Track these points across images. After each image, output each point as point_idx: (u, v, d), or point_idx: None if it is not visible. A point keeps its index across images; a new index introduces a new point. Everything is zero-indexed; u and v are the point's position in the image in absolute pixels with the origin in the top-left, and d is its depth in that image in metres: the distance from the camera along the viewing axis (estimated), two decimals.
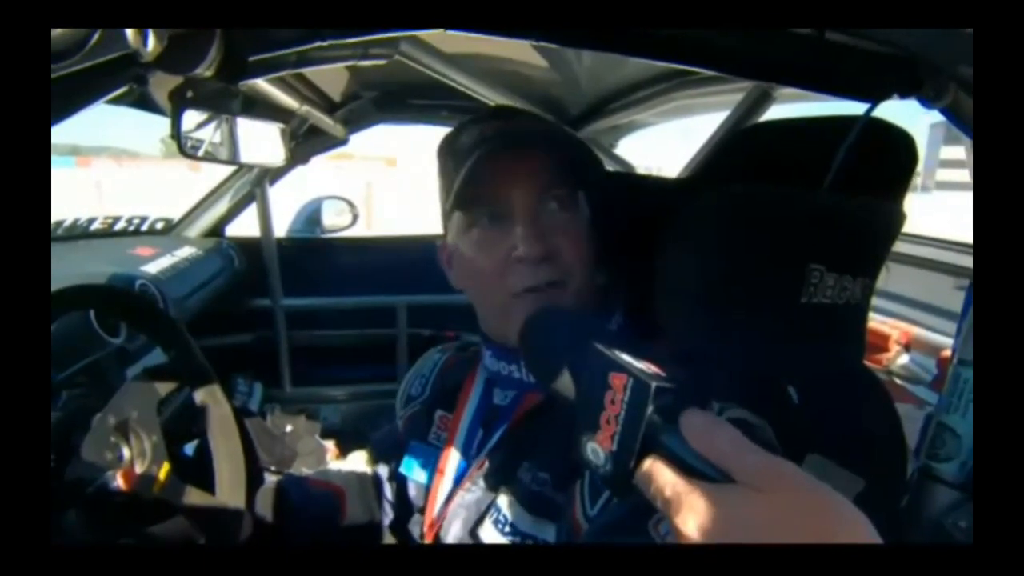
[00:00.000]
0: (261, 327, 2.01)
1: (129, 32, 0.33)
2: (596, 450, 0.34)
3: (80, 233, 1.62)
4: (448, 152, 0.61)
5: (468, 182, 0.56)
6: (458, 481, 0.61)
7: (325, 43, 0.43)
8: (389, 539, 0.79)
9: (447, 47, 1.11)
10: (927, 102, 0.52)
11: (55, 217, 1.58)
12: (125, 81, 0.47)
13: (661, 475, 0.31)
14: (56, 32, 0.29)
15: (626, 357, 0.33)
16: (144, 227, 1.81)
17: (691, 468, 0.30)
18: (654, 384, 0.31)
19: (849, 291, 0.55)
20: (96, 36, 0.31)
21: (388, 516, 0.78)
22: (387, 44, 0.91)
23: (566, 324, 0.44)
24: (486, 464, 0.59)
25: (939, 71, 0.48)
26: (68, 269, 1.16)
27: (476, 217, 0.58)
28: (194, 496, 0.75)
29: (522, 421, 0.59)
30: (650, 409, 0.31)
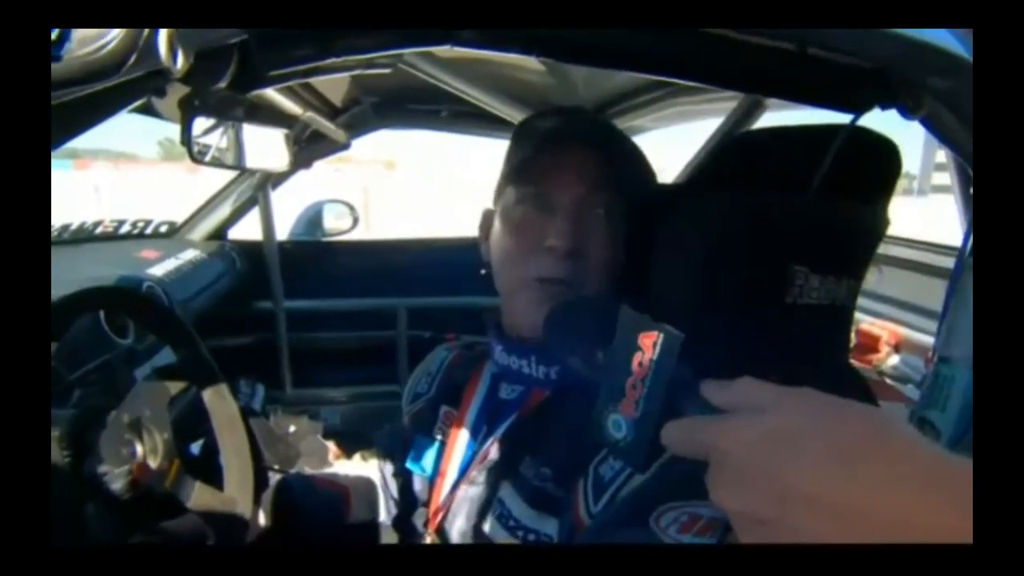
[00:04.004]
0: (263, 329, 2.03)
1: (162, 50, 0.35)
2: (618, 421, 0.34)
3: (86, 236, 1.65)
4: (523, 131, 0.64)
5: (530, 160, 0.58)
6: (462, 474, 0.63)
7: (339, 59, 0.45)
8: (392, 534, 0.81)
9: (447, 54, 1.14)
10: (907, 113, 0.55)
11: (55, 221, 1.60)
12: (147, 93, 0.49)
13: (688, 423, 0.31)
14: (100, 54, 0.31)
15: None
16: (148, 230, 1.83)
17: None
18: (683, 336, 0.31)
19: (834, 292, 0.57)
20: (134, 57, 0.33)
21: (392, 513, 0.80)
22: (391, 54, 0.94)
23: (592, 305, 0.46)
24: (489, 458, 0.61)
25: (914, 84, 0.51)
26: (76, 272, 1.18)
27: (525, 195, 0.60)
28: (204, 492, 0.77)
29: (527, 416, 0.60)
30: (677, 366, 0.31)
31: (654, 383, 0.33)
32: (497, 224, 0.63)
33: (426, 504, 0.67)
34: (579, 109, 0.68)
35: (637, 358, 0.33)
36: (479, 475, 0.61)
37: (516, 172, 0.60)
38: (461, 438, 0.64)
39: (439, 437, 0.68)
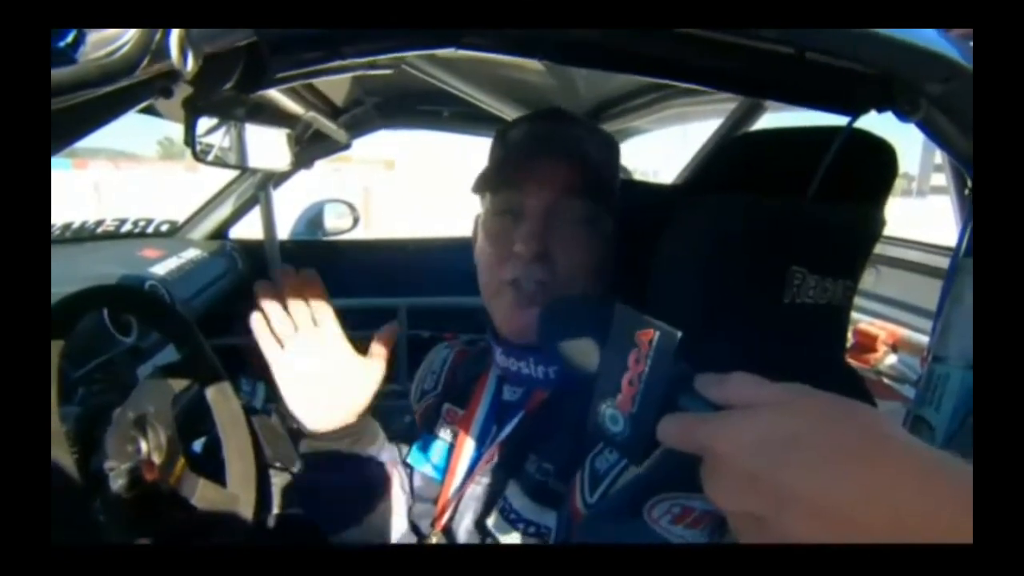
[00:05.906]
0: None
1: (173, 52, 0.36)
2: (615, 416, 0.34)
3: (88, 235, 1.65)
4: (500, 139, 0.65)
5: (499, 170, 0.60)
6: (469, 474, 0.63)
7: (345, 61, 0.46)
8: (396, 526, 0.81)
9: (449, 55, 1.15)
10: (903, 116, 0.56)
11: (55, 220, 1.61)
12: (155, 95, 0.50)
13: (684, 419, 0.31)
14: (114, 56, 0.32)
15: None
16: (150, 229, 1.84)
17: None
18: (680, 334, 0.31)
19: (830, 292, 0.58)
20: (146, 59, 0.34)
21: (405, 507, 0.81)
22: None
23: (584, 303, 0.46)
24: (495, 458, 0.62)
25: (911, 88, 0.52)
26: (79, 270, 1.19)
27: (498, 204, 0.61)
28: (208, 488, 0.78)
29: (531, 416, 0.61)
30: (674, 363, 0.31)
31: (650, 379, 0.33)
32: (478, 231, 0.65)
33: (433, 502, 0.67)
34: (556, 112, 0.69)
35: (633, 355, 0.33)
36: (485, 475, 0.62)
37: (491, 181, 0.62)
38: (469, 440, 0.65)
39: (445, 436, 0.68)
